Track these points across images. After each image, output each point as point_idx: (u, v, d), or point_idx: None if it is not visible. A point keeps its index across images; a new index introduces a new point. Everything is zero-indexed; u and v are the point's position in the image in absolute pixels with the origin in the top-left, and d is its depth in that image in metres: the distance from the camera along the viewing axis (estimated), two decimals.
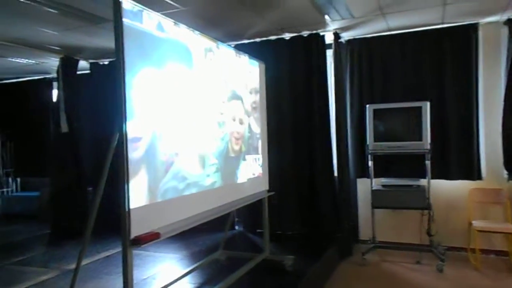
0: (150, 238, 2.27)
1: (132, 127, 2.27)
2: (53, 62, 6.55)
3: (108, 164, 2.29)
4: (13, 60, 6.47)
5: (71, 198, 6.14)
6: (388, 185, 5.02)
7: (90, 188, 6.44)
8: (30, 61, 6.62)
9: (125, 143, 2.19)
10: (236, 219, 6.00)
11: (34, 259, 4.81)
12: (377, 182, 5.21)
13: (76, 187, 6.21)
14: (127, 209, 2.19)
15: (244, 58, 3.86)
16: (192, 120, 2.89)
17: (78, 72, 6.54)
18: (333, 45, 5.39)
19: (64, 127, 6.00)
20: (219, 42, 3.38)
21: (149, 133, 2.42)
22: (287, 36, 5.56)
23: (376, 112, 5.14)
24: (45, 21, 4.53)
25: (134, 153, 2.28)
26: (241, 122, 3.65)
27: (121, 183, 2.19)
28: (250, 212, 5.55)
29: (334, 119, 5.36)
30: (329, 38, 5.47)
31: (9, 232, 6.74)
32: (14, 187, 8.62)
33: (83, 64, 6.62)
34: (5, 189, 8.47)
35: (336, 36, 5.33)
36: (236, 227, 5.96)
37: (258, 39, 5.69)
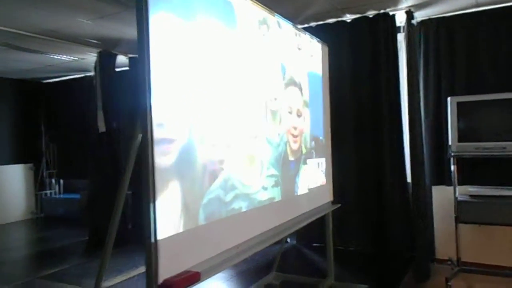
0: (186, 283, 1.59)
1: (161, 124, 1.60)
2: (92, 59, 6.17)
3: (129, 173, 1.64)
4: (53, 56, 6.15)
5: (109, 202, 5.65)
6: (479, 195, 4.08)
7: (129, 192, 5.96)
8: (69, 57, 6.28)
9: (151, 147, 1.52)
10: None
11: (67, 273, 4.34)
12: (462, 191, 4.27)
13: (113, 191, 5.72)
14: (153, 240, 1.51)
15: (305, 38, 3.11)
16: (240, 114, 2.19)
17: (117, 69, 6.09)
18: (405, 27, 4.50)
19: (102, 127, 5.54)
20: (277, 14, 2.65)
21: (184, 132, 1.74)
22: (348, 18, 4.76)
23: (460, 106, 4.20)
24: (77, 7, 4.05)
25: (164, 160, 1.60)
26: (299, 115, 2.90)
27: (144, 202, 1.52)
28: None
29: (407, 115, 4.47)
30: (399, 19, 4.61)
31: (49, 237, 6.43)
32: (57, 189, 8.41)
33: (123, 60, 6.17)
34: (48, 191, 8.27)
35: (409, 15, 4.44)
36: (288, 240, 5.21)
37: (313, 23, 4.93)
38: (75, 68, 7.09)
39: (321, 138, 3.36)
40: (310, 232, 4.86)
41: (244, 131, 2.21)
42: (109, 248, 1.64)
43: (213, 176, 1.92)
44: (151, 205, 1.52)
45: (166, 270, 1.56)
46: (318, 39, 3.40)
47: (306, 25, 4.96)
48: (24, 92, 7.97)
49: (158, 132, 1.58)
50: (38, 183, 8.12)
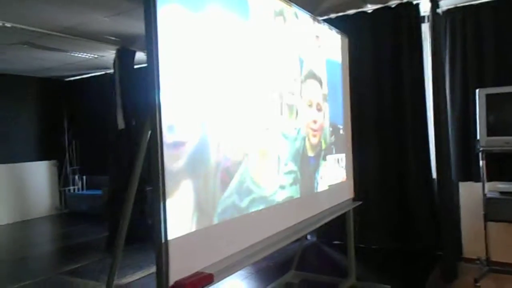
0: (198, 285, 1.52)
1: (171, 121, 1.53)
2: (112, 56, 6.19)
3: (139, 171, 1.59)
4: (73, 54, 6.21)
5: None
6: (509, 192, 3.88)
7: (149, 188, 5.97)
8: (89, 55, 6.32)
9: (160, 144, 1.46)
10: None
11: (87, 268, 4.37)
12: (491, 188, 4.07)
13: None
14: (163, 240, 1.45)
15: (324, 29, 2.99)
16: (254, 110, 2.10)
17: (136, 66, 6.09)
18: (429, 16, 4.31)
19: (121, 124, 5.55)
20: (294, 5, 2.55)
21: (196, 130, 1.67)
22: (369, 8, 4.60)
23: (490, 98, 3.99)
24: (94, 4, 4.04)
25: (175, 161, 1.54)
26: (319, 109, 2.78)
27: (155, 202, 1.46)
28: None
29: (432, 107, 4.29)
30: (424, 8, 4.42)
31: (72, 233, 6.53)
32: (80, 185, 8.54)
33: (142, 56, 6.17)
34: (72, 187, 8.41)
35: (434, 4, 4.24)
36: (308, 237, 5.11)
37: (333, 15, 4.78)
38: (96, 65, 7.15)
39: (341, 132, 3.24)
40: (331, 230, 4.74)
41: (259, 127, 2.12)
42: (120, 245, 1.58)
43: (229, 176, 1.84)
44: (161, 204, 1.45)
45: (177, 271, 1.49)
46: (337, 30, 3.27)
47: (325, 17, 4.82)
48: (47, 90, 8.11)
49: (168, 129, 1.51)
50: (62, 180, 8.26)
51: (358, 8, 4.62)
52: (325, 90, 2.94)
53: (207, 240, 1.67)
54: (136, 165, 1.57)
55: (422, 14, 4.46)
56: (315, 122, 2.69)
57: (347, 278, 3.34)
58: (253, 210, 2.00)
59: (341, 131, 3.24)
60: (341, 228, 4.77)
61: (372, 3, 4.48)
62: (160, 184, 1.46)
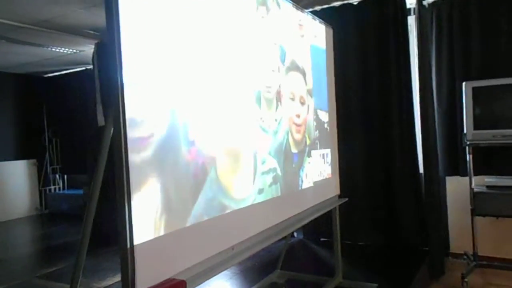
0: None
1: (135, 116, 1.39)
2: (91, 50, 5.99)
3: (102, 170, 1.45)
4: (52, 49, 5.99)
5: (107, 199, 5.50)
6: (496, 186, 3.83)
7: None
8: (68, 50, 6.12)
9: (124, 140, 1.33)
10: None
11: (64, 271, 4.20)
12: (478, 182, 4.02)
13: (112, 187, 5.56)
14: (129, 245, 1.32)
15: (308, 19, 2.87)
16: (228, 103, 1.96)
17: None
18: (416, 9, 4.23)
19: (101, 121, 5.36)
20: None
21: (163, 125, 1.53)
22: (354, 0, 4.49)
23: (476, 91, 3.94)
24: None
25: (140, 157, 1.40)
26: (302, 102, 2.66)
27: (119, 203, 1.33)
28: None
29: (418, 101, 4.22)
30: (410, 1, 4.34)
31: (52, 234, 6.33)
32: (61, 184, 8.30)
33: None
34: (52, 187, 8.17)
35: None
36: (295, 234, 5.02)
37: (318, 7, 4.67)
38: (75, 61, 6.93)
39: (326, 127, 3.13)
40: (317, 227, 4.67)
41: (233, 122, 1.97)
42: (85, 245, 1.45)
43: (203, 173, 1.71)
44: (125, 206, 1.32)
45: (145, 279, 1.36)
46: (321, 20, 3.15)
47: (310, 9, 4.71)
48: (25, 86, 7.84)
49: (132, 125, 1.37)
50: (42, 179, 8.01)
51: (343, 0, 4.51)
52: (309, 82, 2.82)
53: (179, 244, 1.54)
54: (99, 161, 1.42)
55: (408, 6, 4.37)
56: (298, 116, 2.56)
57: (333, 277, 3.25)
58: (230, 210, 1.86)
59: (326, 125, 3.12)
60: (328, 225, 4.70)
61: None
62: (125, 183, 1.32)
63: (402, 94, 4.34)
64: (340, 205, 4.53)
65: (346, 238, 4.63)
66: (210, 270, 1.67)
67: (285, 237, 3.50)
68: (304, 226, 4.88)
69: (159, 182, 1.47)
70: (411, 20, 4.39)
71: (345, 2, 4.53)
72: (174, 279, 1.46)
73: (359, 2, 4.49)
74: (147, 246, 1.39)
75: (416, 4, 4.19)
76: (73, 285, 1.45)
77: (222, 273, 3.80)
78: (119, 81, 1.35)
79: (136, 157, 1.37)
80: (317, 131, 2.93)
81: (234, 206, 1.90)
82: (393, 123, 4.38)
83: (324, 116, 3.08)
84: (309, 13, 2.96)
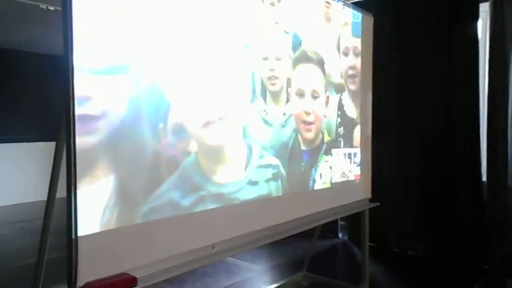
0: (112, 287, 1.36)
1: (86, 95, 1.36)
2: None
3: (60, 157, 1.45)
4: None
5: None
6: None
7: None
8: None
9: (72, 120, 1.30)
10: (341, 223, 4.81)
11: None
12: None
13: None
14: (73, 236, 1.31)
15: (337, 6, 2.63)
16: (222, 84, 1.86)
17: None
18: None
19: None
20: None
21: (121, 105, 1.48)
22: None
23: None
24: None
25: (88, 139, 1.36)
26: (315, 96, 2.44)
27: (67, 191, 1.32)
28: (357, 217, 4.30)
29: (486, 100, 3.71)
30: None
31: None
32: None
33: None
34: None
35: None
36: (340, 235, 4.77)
37: None
38: None
39: (356, 124, 2.87)
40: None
41: (218, 109, 1.84)
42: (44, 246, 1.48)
43: (171, 167, 1.64)
44: (72, 194, 1.31)
45: (89, 272, 1.34)
46: (358, 8, 2.87)
47: None
48: None
49: (80, 104, 1.33)
50: None
51: None
52: (333, 75, 2.59)
53: (134, 239, 1.50)
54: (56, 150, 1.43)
55: None
56: (307, 113, 2.35)
57: (359, 286, 3.00)
58: (201, 209, 1.76)
59: (356, 123, 2.86)
60: (376, 228, 4.40)
61: None
62: (72, 172, 1.30)
63: (466, 91, 3.84)
64: (388, 211, 4.22)
65: (394, 246, 4.30)
66: (176, 268, 1.61)
67: (313, 237, 3.33)
68: (349, 227, 4.63)
69: (113, 170, 1.43)
70: (484, 7, 3.84)
71: None
72: (125, 273, 1.42)
73: None
74: (95, 238, 1.37)
75: None
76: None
77: (254, 267, 3.77)
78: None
79: (85, 140, 1.34)
80: (342, 128, 2.69)
81: (214, 191, 1.80)
82: (454, 124, 3.91)
83: (353, 112, 2.82)
84: (340, 0, 2.70)
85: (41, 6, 4.43)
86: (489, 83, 3.65)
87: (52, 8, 4.42)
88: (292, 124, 2.26)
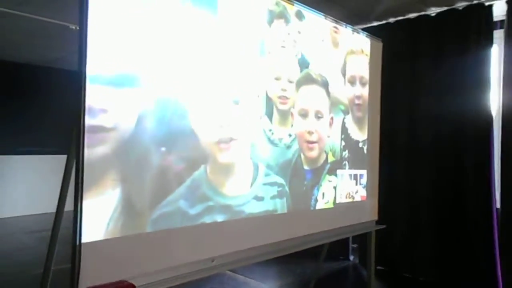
0: None
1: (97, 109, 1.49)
2: None
3: (71, 168, 1.57)
4: None
5: None
6: None
7: None
8: None
9: (82, 130, 1.42)
10: (353, 245, 4.78)
11: None
12: None
13: None
14: (77, 243, 1.42)
15: (346, 32, 2.72)
16: (227, 110, 1.97)
17: None
18: (505, 21, 3.73)
19: None
20: (299, 4, 2.35)
21: (129, 121, 1.59)
22: (432, 11, 4.12)
23: None
24: None
25: (97, 152, 1.48)
26: (319, 116, 2.51)
27: (74, 201, 1.43)
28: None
29: (500, 124, 3.71)
30: (498, 12, 3.83)
31: None
32: None
33: None
34: None
35: None
36: (351, 258, 4.73)
37: (391, 19, 4.39)
38: None
39: (361, 146, 2.91)
40: (375, 253, 4.33)
41: (222, 124, 1.95)
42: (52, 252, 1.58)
43: (177, 180, 1.74)
44: (78, 204, 1.42)
45: (90, 277, 1.44)
46: (367, 34, 2.96)
47: (383, 21, 4.46)
48: None
49: (92, 116, 1.46)
50: None
51: (420, 11, 4.17)
52: (339, 97, 2.66)
53: (136, 249, 1.59)
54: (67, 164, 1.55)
55: (494, 19, 3.86)
56: (310, 133, 2.43)
57: None
58: (207, 219, 1.85)
59: (361, 144, 2.91)
60: (386, 252, 4.35)
61: (435, 5, 4.01)
62: (79, 183, 1.42)
63: (478, 117, 3.82)
64: (400, 235, 4.19)
65: (405, 271, 4.24)
66: (174, 278, 1.69)
67: (320, 257, 3.34)
68: (360, 250, 4.60)
69: (119, 183, 1.54)
70: (498, 34, 3.86)
71: (422, 13, 4.16)
72: (124, 281, 1.51)
73: (438, 13, 4.09)
74: (98, 246, 1.47)
75: (506, 15, 3.70)
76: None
77: (260, 286, 3.79)
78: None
79: (92, 152, 1.46)
80: (347, 150, 2.74)
81: (222, 202, 1.90)
82: (466, 150, 3.88)
83: (357, 135, 2.87)
84: (348, 25, 2.79)
85: (70, 27, 4.71)
86: (503, 111, 3.65)
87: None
88: (296, 144, 2.33)
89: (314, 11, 2.45)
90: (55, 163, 6.75)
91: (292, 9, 2.31)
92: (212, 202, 1.86)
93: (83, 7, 1.44)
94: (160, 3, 1.67)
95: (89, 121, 1.44)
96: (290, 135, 2.27)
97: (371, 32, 4.35)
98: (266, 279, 3.99)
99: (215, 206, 1.87)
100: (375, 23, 4.51)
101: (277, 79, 2.22)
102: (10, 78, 6.40)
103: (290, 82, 2.27)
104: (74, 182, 1.44)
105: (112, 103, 1.51)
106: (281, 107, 2.21)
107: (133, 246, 1.59)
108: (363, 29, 4.50)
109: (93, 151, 1.45)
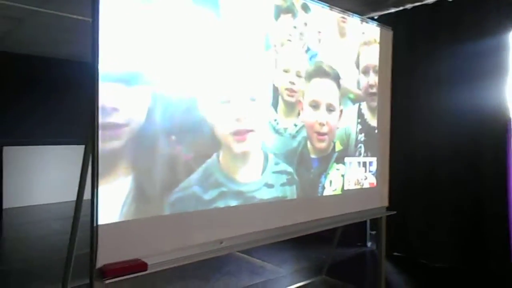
0: (126, 271, 1.60)
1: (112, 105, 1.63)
2: None
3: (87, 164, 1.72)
4: None
5: None
6: None
7: None
8: None
9: (96, 125, 1.56)
10: (371, 232, 4.83)
11: None
12: None
13: None
14: (95, 224, 1.57)
15: (355, 22, 2.76)
16: (239, 97, 2.08)
17: None
18: None
19: None
20: None
21: (140, 115, 1.73)
22: None
23: None
24: None
25: (112, 143, 1.63)
26: (331, 110, 2.59)
27: (92, 187, 1.58)
28: (389, 227, 4.32)
29: None
30: None
31: None
32: None
33: None
34: None
35: None
36: (369, 244, 4.80)
37: (409, 5, 4.35)
38: None
39: (372, 134, 2.96)
40: (393, 239, 4.38)
41: (238, 117, 2.07)
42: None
43: (187, 169, 1.87)
44: (95, 190, 1.57)
45: (107, 256, 1.59)
46: (377, 23, 2.98)
47: (401, 8, 4.43)
48: None
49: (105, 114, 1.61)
50: None
51: None
52: (350, 88, 2.72)
53: (149, 230, 1.74)
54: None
55: None
56: (321, 125, 2.52)
57: None
58: (220, 204, 1.99)
59: (372, 133, 2.96)
60: (403, 239, 4.39)
61: None
62: (95, 171, 1.56)
63: (497, 106, 3.76)
64: (416, 221, 4.21)
65: (421, 257, 4.27)
66: (184, 259, 1.83)
67: (333, 242, 3.44)
68: (376, 237, 4.64)
69: (132, 174, 1.68)
70: None
71: None
72: (137, 259, 1.66)
73: (453, 2, 4.02)
74: (114, 227, 1.62)
75: None
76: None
77: (278, 270, 3.92)
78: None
79: (107, 145, 1.60)
80: (362, 134, 2.82)
81: (234, 188, 2.05)
82: (483, 137, 3.85)
83: (373, 121, 2.94)
84: (357, 16, 2.82)
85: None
86: None
87: None
88: (302, 132, 2.43)
89: (320, 3, 2.51)
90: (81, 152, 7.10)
91: (298, 2, 2.38)
92: (225, 188, 2.00)
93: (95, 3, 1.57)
94: (164, 2, 1.78)
95: (102, 119, 1.58)
96: (295, 125, 2.36)
97: (389, 19, 4.36)
98: (282, 263, 4.12)
99: (227, 192, 2.02)
100: (392, 9, 4.47)
101: (285, 71, 2.31)
102: (42, 73, 6.70)
103: (298, 76, 2.36)
104: (91, 173, 1.59)
105: (123, 101, 1.65)
106: (287, 98, 2.30)
107: (146, 228, 1.73)
108: (380, 16, 4.51)
109: (106, 145, 1.60)
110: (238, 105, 2.06)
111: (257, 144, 2.17)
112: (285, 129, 2.31)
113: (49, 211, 6.66)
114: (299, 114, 2.39)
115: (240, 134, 2.05)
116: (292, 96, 2.33)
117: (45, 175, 7.03)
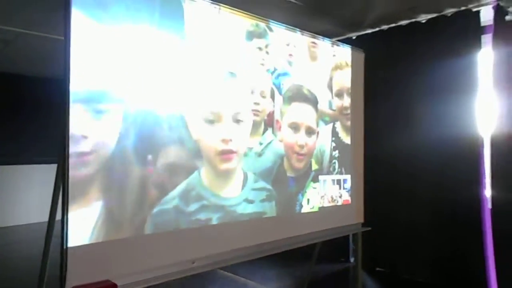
0: None
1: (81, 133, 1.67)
2: None
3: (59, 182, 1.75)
4: None
5: None
6: None
7: None
8: None
9: (66, 156, 1.61)
10: (353, 247, 4.87)
11: None
12: None
13: None
14: (65, 246, 1.60)
15: (326, 46, 2.87)
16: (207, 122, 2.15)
17: None
18: (492, 26, 3.82)
19: None
20: (271, 22, 2.51)
21: (112, 146, 1.78)
22: (423, 18, 4.22)
23: None
24: None
25: (83, 169, 1.67)
26: (310, 132, 2.69)
27: (62, 211, 1.62)
28: (368, 242, 4.36)
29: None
30: (485, 17, 3.91)
31: None
32: None
33: None
34: None
35: (499, 11, 3.76)
36: (352, 259, 4.83)
37: (384, 26, 4.51)
38: None
39: (346, 151, 3.05)
40: (375, 255, 4.43)
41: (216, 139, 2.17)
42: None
43: (160, 190, 1.92)
44: (65, 213, 1.60)
45: (78, 278, 1.62)
46: (348, 46, 3.09)
47: (377, 29, 4.58)
48: None
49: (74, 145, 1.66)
50: None
51: (410, 18, 4.28)
52: (326, 110, 2.83)
53: (119, 252, 1.77)
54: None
55: (482, 24, 3.94)
56: (301, 146, 2.63)
57: None
58: (202, 216, 2.07)
59: (346, 153, 3.04)
60: (387, 255, 4.43)
61: (425, 12, 4.12)
62: (65, 196, 1.60)
63: (468, 120, 3.89)
64: (398, 237, 4.26)
65: (403, 273, 4.31)
66: (154, 279, 1.86)
67: (311, 259, 3.47)
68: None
69: (102, 195, 1.72)
70: (486, 39, 3.93)
71: (413, 20, 4.26)
72: (107, 280, 1.69)
73: (428, 20, 4.19)
74: (84, 249, 1.65)
75: (494, 19, 3.77)
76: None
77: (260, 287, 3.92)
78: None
79: (78, 170, 1.65)
80: (337, 151, 2.90)
81: (215, 201, 2.12)
82: (457, 150, 3.96)
83: (346, 139, 3.04)
84: (329, 39, 2.93)
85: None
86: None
87: None
88: (273, 151, 2.50)
89: (288, 26, 2.61)
90: None
91: (266, 25, 2.48)
92: (206, 201, 2.09)
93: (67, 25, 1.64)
94: (130, 29, 1.86)
95: (71, 148, 1.64)
96: (260, 144, 2.43)
97: (365, 39, 4.50)
98: (266, 281, 4.12)
99: (209, 205, 2.11)
100: (369, 30, 4.62)
101: (251, 92, 2.39)
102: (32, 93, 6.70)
103: (263, 96, 2.44)
104: (61, 199, 1.63)
105: (92, 127, 1.70)
106: (254, 118, 2.38)
107: (117, 249, 1.77)
108: (357, 37, 4.66)
109: (76, 172, 1.65)
110: (223, 126, 2.16)
111: (239, 163, 2.25)
112: (250, 149, 2.37)
113: (30, 231, 6.56)
114: (264, 132, 2.47)
115: (225, 153, 2.13)
116: (257, 116, 2.41)
117: (25, 195, 6.95)
